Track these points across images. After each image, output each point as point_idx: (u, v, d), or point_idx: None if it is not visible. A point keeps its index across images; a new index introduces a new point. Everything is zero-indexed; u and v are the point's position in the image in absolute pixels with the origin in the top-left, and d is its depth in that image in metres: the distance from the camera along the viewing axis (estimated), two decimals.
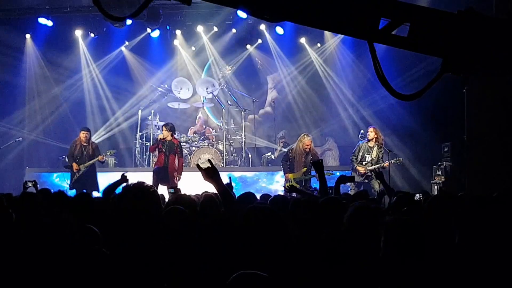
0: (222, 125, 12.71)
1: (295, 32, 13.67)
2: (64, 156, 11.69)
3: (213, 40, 14.21)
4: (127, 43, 14.27)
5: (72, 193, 9.33)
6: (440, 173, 10.51)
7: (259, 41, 14.19)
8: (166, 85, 13.62)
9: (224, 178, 3.59)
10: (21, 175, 12.07)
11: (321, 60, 14.14)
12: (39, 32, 13.63)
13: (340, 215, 3.34)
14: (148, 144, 12.36)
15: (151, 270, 2.58)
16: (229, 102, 13.58)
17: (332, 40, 13.80)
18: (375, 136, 9.90)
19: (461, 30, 2.72)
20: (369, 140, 9.93)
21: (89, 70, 14.14)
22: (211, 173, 3.37)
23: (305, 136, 9.96)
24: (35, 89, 13.96)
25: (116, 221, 3.00)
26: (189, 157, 12.22)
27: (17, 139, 12.33)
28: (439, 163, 10.66)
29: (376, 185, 9.53)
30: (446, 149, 10.73)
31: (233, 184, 5.25)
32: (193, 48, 14.54)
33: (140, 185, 2.90)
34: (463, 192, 5.99)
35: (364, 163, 9.89)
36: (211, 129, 13.67)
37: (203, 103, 13.49)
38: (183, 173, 9.88)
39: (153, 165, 10.88)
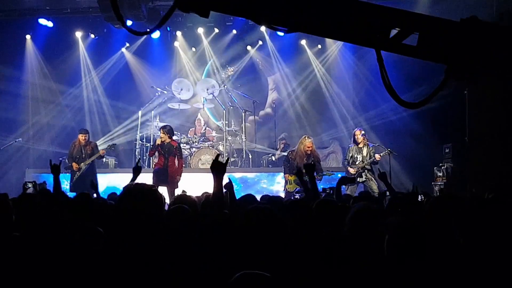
0: (223, 126, 12.70)
1: (296, 34, 13.64)
2: (64, 157, 11.67)
3: (213, 41, 14.22)
4: (127, 44, 14.28)
5: (72, 195, 9.30)
6: (441, 174, 10.51)
7: (260, 42, 14.21)
8: (166, 86, 13.61)
9: (224, 178, 3.58)
10: (21, 175, 12.05)
11: (322, 62, 14.14)
12: (39, 33, 13.64)
13: (336, 217, 3.34)
14: (148, 145, 12.34)
15: (152, 270, 2.57)
16: (229, 103, 13.57)
17: (333, 41, 13.76)
18: (363, 137, 9.95)
19: (465, 37, 2.79)
20: (358, 143, 9.97)
21: (89, 71, 14.14)
22: (220, 168, 3.37)
23: (306, 138, 9.93)
24: (35, 90, 13.94)
25: (116, 221, 2.99)
26: (189, 158, 12.21)
27: (16, 140, 12.32)
28: (440, 164, 10.66)
29: (374, 186, 9.55)
30: (447, 150, 10.73)
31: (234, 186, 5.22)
32: (193, 49, 14.55)
33: (140, 185, 2.89)
34: (464, 193, 5.99)
35: (356, 162, 9.92)
36: (211, 130, 13.66)
37: (203, 104, 13.49)
38: (183, 174, 9.86)
39: (153, 166, 10.86)
